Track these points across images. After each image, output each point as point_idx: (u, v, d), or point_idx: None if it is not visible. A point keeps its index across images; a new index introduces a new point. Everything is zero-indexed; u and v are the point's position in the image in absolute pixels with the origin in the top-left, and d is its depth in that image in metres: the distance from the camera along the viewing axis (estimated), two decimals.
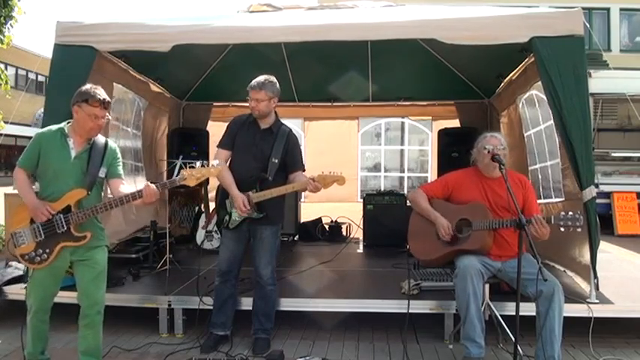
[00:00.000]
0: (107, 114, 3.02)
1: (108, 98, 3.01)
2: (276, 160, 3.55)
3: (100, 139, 3.11)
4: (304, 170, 3.69)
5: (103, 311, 3.08)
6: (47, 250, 2.93)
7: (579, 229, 3.10)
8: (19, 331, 3.22)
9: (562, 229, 3.10)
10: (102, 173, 3.04)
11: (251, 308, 3.74)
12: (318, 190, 3.46)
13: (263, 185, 3.51)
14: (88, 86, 3.03)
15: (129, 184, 3.25)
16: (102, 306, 3.07)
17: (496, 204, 3.46)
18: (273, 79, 3.57)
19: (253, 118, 3.63)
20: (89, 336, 3.04)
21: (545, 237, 3.20)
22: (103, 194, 3.18)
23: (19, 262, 3.05)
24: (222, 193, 3.67)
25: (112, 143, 3.16)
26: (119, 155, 3.18)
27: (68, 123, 3.07)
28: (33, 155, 2.99)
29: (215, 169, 3.04)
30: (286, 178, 3.62)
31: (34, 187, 3.09)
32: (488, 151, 3.39)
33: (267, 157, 3.55)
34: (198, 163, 3.02)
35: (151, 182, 3.00)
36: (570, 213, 3.09)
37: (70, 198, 2.94)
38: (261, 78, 3.55)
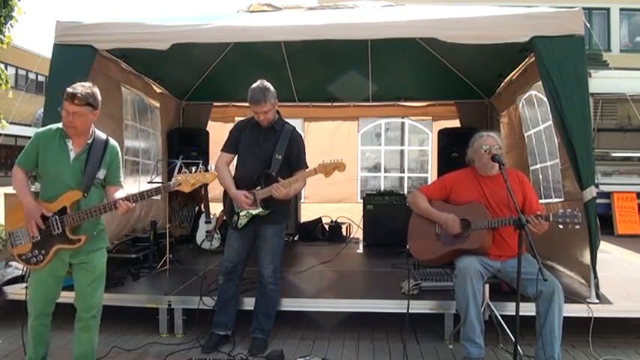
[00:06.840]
0: (84, 108, 2.81)
1: (78, 92, 2.80)
2: (280, 157, 3.53)
3: (101, 136, 2.98)
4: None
5: (99, 315, 3.02)
6: (43, 252, 2.86)
7: (578, 226, 3.10)
8: (19, 331, 3.21)
9: (561, 227, 3.10)
10: (101, 175, 2.94)
11: (251, 308, 3.74)
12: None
13: (267, 182, 3.50)
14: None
15: (132, 185, 3.20)
16: (98, 310, 3.01)
17: (495, 202, 3.45)
18: (267, 84, 3.50)
19: (255, 120, 3.61)
20: (84, 339, 2.99)
21: (543, 230, 3.22)
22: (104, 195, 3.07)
23: (18, 261, 2.98)
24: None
25: (112, 142, 3.03)
26: (119, 156, 3.07)
27: None
28: (31, 155, 2.91)
29: (211, 174, 2.99)
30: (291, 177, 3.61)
31: (32, 187, 3.03)
32: (485, 151, 3.40)
33: (270, 154, 3.54)
34: (193, 168, 2.95)
35: (140, 192, 2.92)
36: (569, 210, 3.09)
37: (65, 199, 2.86)
38: (258, 90, 3.46)
